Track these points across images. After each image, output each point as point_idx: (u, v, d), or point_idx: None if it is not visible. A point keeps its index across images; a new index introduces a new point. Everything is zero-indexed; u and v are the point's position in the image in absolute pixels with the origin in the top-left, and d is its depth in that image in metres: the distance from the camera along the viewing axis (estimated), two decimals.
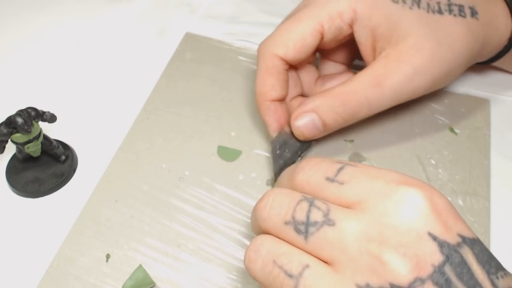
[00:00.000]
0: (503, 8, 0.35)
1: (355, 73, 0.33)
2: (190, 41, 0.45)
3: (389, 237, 0.20)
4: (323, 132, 0.33)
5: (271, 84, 0.33)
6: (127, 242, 0.32)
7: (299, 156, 0.35)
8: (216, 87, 0.41)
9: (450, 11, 0.33)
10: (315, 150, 0.37)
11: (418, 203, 0.20)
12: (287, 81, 0.34)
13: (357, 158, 0.36)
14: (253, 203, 0.34)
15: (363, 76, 0.32)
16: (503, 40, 0.36)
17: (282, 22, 0.34)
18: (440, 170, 0.36)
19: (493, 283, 0.19)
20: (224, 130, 0.38)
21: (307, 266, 0.21)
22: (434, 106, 0.39)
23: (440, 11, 0.32)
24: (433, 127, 0.38)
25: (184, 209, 0.34)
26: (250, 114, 0.39)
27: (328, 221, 0.21)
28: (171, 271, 0.31)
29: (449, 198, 0.34)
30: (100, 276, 0.31)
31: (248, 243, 0.32)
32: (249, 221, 0.33)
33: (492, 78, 0.41)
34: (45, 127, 0.35)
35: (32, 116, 0.33)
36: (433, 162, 0.36)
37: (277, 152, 0.34)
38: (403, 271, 0.19)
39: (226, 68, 0.43)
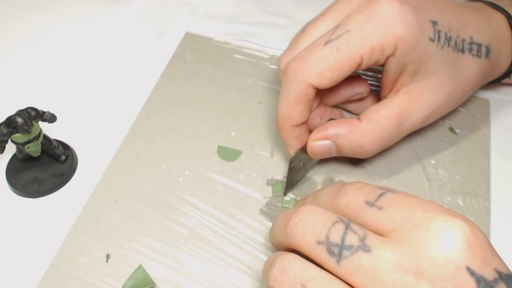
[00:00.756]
0: (508, 42, 0.35)
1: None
2: (190, 41, 0.45)
3: (426, 270, 0.19)
4: (333, 155, 0.33)
5: (299, 111, 0.31)
6: (127, 242, 0.32)
7: (308, 170, 0.35)
8: (216, 87, 0.41)
9: (470, 50, 0.33)
10: None
11: (456, 234, 0.20)
12: (312, 105, 0.33)
13: (357, 158, 0.36)
14: (253, 203, 0.34)
15: (389, 114, 0.32)
16: (502, 71, 0.37)
17: (316, 44, 0.31)
18: (440, 170, 0.36)
19: None
20: (224, 130, 0.38)
21: None
22: None
23: (462, 50, 0.32)
24: (433, 127, 0.38)
25: (184, 209, 0.34)
26: (250, 114, 0.39)
27: (364, 247, 0.21)
28: (171, 271, 0.31)
29: (449, 198, 0.34)
30: (100, 276, 0.31)
31: (248, 243, 0.32)
32: (249, 221, 0.33)
33: None
34: (45, 127, 0.35)
35: (32, 116, 0.33)
36: (433, 162, 0.36)
37: (292, 165, 0.34)
38: None
39: (226, 68, 0.43)
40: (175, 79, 0.42)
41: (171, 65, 0.43)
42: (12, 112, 0.33)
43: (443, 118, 0.38)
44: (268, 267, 0.23)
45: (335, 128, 0.32)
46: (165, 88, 0.41)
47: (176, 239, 0.33)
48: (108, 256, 0.32)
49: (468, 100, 0.40)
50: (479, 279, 0.19)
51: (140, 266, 0.31)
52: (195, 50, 0.44)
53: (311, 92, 0.31)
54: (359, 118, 0.32)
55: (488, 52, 0.34)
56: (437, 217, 0.20)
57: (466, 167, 0.36)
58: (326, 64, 0.30)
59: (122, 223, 0.33)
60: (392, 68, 0.31)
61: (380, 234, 0.21)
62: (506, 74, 0.38)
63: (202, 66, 0.43)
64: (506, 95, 0.40)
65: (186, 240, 0.32)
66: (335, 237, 0.21)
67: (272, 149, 0.37)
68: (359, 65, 0.30)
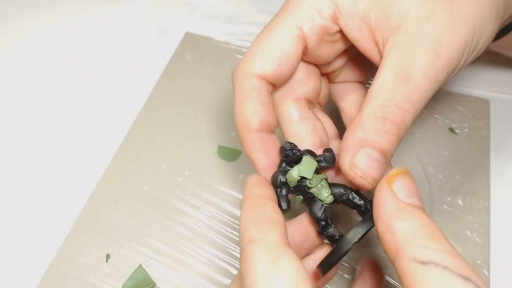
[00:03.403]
0: None
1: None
2: (190, 41, 0.45)
3: None
4: (385, 163, 0.25)
5: (252, 110, 0.25)
6: (127, 242, 0.32)
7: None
8: (216, 87, 0.41)
9: None
10: None
11: None
12: (272, 106, 0.27)
13: None
14: None
15: (384, 77, 0.24)
16: None
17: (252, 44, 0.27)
18: (440, 170, 0.36)
19: None
20: (224, 130, 0.38)
21: None
22: (434, 106, 0.39)
23: None
24: (433, 127, 0.38)
25: (184, 209, 0.34)
26: None
27: None
28: (171, 271, 0.31)
29: (449, 198, 0.34)
30: (100, 276, 0.31)
31: None
32: None
33: (492, 77, 0.41)
34: (46, 128, 0.35)
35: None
36: (433, 162, 0.36)
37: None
38: None
39: (226, 68, 0.43)
40: (175, 79, 0.42)
41: (171, 65, 0.43)
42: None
43: (443, 118, 0.38)
44: None
45: (351, 134, 0.24)
46: (165, 88, 0.41)
47: (176, 239, 0.33)
48: (108, 256, 0.32)
49: (468, 100, 0.40)
50: None
51: (140, 266, 0.31)
52: (195, 50, 0.44)
53: (259, 85, 0.26)
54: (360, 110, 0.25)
55: None
56: None
57: (466, 167, 0.36)
58: (264, 47, 0.26)
59: (122, 223, 0.33)
60: (352, 29, 0.26)
61: None
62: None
63: (202, 66, 0.43)
64: (506, 95, 0.40)
65: (186, 240, 0.32)
66: None
67: None
68: (303, 39, 0.26)
